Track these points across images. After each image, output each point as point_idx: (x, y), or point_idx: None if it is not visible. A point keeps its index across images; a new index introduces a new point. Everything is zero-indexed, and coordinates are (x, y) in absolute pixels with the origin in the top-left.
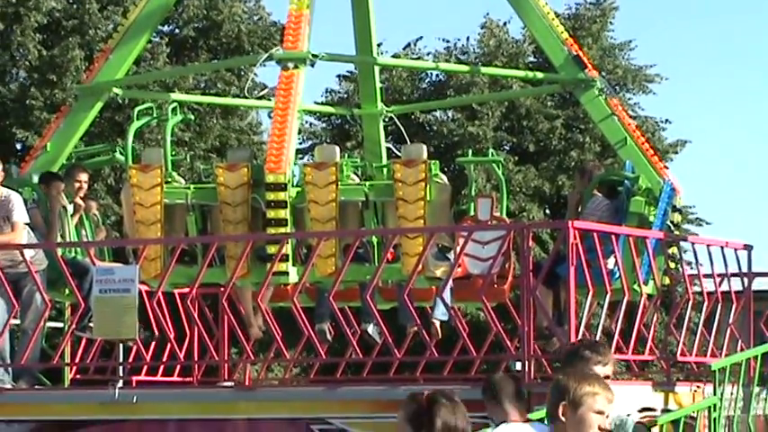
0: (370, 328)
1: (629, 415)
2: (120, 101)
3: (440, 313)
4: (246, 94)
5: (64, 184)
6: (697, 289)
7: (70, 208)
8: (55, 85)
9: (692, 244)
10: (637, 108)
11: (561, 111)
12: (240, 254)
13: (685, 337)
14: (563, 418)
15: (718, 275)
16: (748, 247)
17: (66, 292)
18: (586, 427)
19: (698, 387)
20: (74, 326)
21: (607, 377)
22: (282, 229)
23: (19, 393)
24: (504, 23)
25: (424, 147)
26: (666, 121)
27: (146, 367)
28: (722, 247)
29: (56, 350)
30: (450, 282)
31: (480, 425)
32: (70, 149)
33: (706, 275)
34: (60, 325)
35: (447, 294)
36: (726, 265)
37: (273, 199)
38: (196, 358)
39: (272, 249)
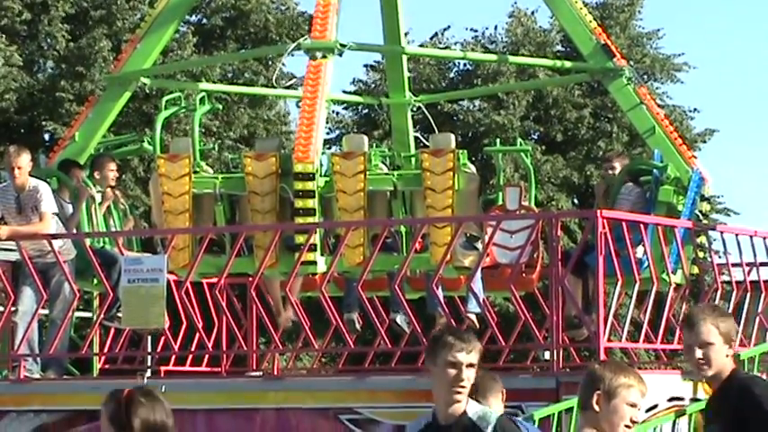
0: (399, 318)
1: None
2: (148, 91)
3: (473, 306)
4: (274, 84)
5: (84, 171)
6: (725, 278)
7: (98, 197)
8: (83, 77)
9: (721, 233)
10: (665, 97)
11: (589, 100)
12: (268, 243)
13: None
14: (596, 408)
15: (747, 265)
16: None
17: (95, 281)
18: (618, 418)
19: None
20: (102, 316)
21: (471, 365)
22: (311, 219)
23: (47, 383)
24: (532, 12)
25: (452, 136)
26: (695, 110)
27: (174, 357)
28: (751, 237)
29: (84, 340)
30: (480, 272)
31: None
32: (98, 139)
33: (734, 265)
34: (89, 315)
35: (478, 285)
36: (755, 255)
37: (302, 188)
38: (224, 348)
39: (300, 239)
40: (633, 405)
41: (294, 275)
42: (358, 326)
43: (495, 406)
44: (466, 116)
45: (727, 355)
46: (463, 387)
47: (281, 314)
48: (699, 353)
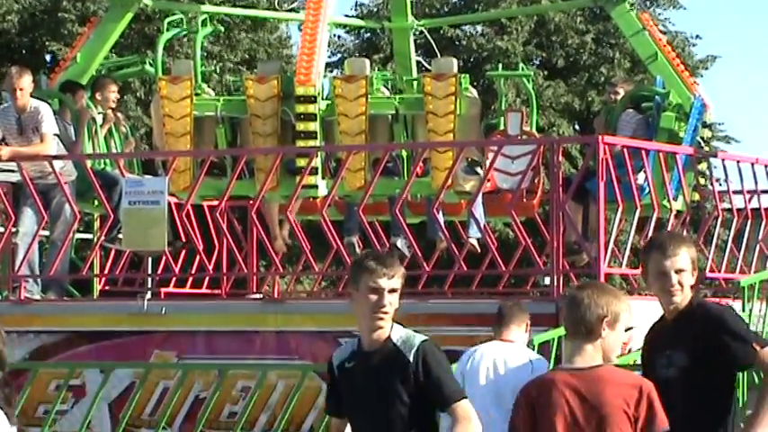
0: (399, 242)
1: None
2: (150, 12)
3: (474, 231)
4: (276, 7)
5: (86, 93)
6: (726, 206)
7: (99, 119)
8: None
9: (722, 160)
10: (667, 23)
11: (591, 26)
12: (269, 167)
13: (714, 253)
14: (603, 334)
15: (748, 192)
16: None
17: (96, 203)
18: (620, 343)
19: (726, 304)
20: (103, 237)
21: (394, 290)
22: (312, 142)
23: (48, 304)
24: None
25: (455, 60)
26: (697, 36)
27: (174, 279)
28: (752, 164)
29: (85, 262)
30: (481, 197)
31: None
32: (100, 61)
33: (735, 192)
34: (89, 236)
35: (479, 210)
36: (756, 182)
37: (303, 112)
38: (225, 270)
39: (301, 162)
40: (629, 329)
41: (294, 198)
42: (358, 249)
43: (515, 335)
44: (468, 41)
45: (691, 285)
46: (386, 313)
47: (277, 238)
48: (675, 278)
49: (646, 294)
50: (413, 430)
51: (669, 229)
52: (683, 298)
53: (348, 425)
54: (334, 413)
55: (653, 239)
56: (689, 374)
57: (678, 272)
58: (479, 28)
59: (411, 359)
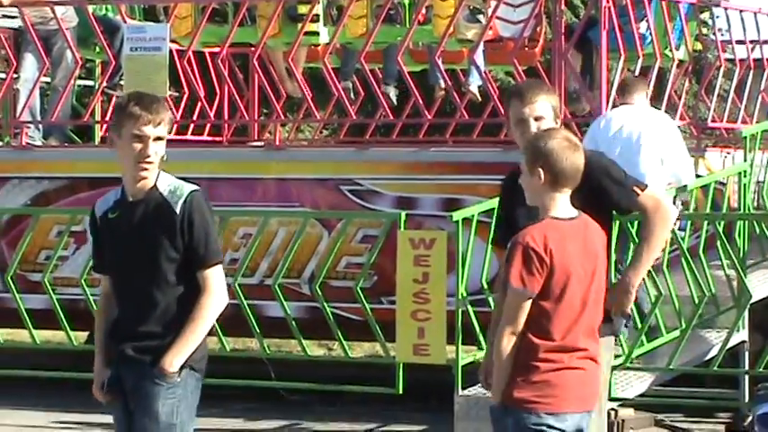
0: (392, 92)
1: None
2: None
3: (475, 79)
4: None
5: None
6: (728, 56)
7: None
8: None
9: (725, 9)
10: None
11: None
12: (271, 13)
13: (716, 103)
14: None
15: (751, 42)
16: None
17: (97, 49)
18: None
19: (728, 153)
20: (104, 84)
21: (160, 138)
22: None
23: (49, 150)
24: None
25: None
26: None
27: (176, 126)
28: (755, 13)
29: (86, 108)
30: (482, 45)
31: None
32: None
33: (738, 42)
34: (91, 83)
35: (480, 58)
36: (758, 32)
37: None
38: (226, 118)
39: (302, 9)
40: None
41: (297, 46)
42: (353, 95)
43: (639, 102)
44: None
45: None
46: (150, 162)
47: (285, 81)
48: (534, 125)
49: None
50: (179, 287)
51: (671, 78)
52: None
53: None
54: (100, 271)
55: (512, 87)
56: None
57: (537, 119)
58: None
59: (178, 211)
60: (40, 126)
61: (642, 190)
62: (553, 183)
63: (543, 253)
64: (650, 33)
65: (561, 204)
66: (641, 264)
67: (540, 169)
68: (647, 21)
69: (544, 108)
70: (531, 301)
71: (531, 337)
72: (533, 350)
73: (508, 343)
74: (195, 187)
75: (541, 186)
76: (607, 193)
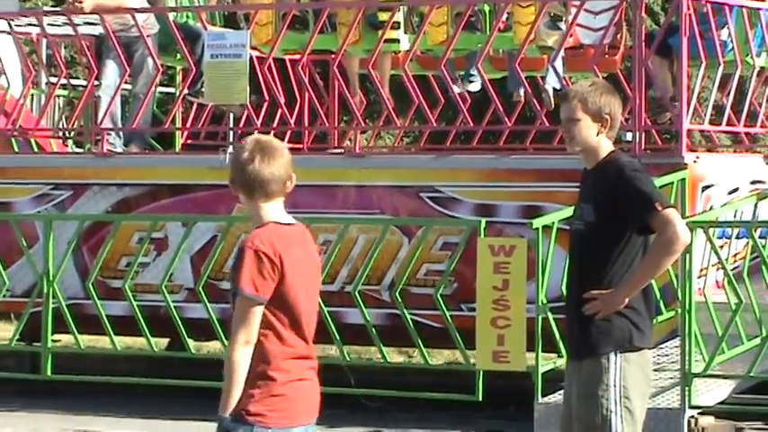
0: (473, 86)
1: None
2: None
3: (552, 81)
4: None
5: None
6: None
7: None
8: None
9: None
10: None
11: None
12: (352, 20)
13: None
14: None
15: None
16: None
17: (178, 56)
18: None
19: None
20: (185, 91)
21: None
22: None
23: (130, 157)
24: None
25: None
26: None
27: (256, 133)
28: None
29: (167, 115)
30: (562, 51)
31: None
32: None
33: None
34: (172, 90)
35: (559, 63)
36: None
37: None
38: (306, 125)
39: (383, 16)
40: None
41: (378, 53)
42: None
43: None
44: None
45: (599, 134)
46: None
47: (357, 94)
48: (566, 128)
49: (727, 151)
50: None
51: (752, 86)
52: (582, 148)
53: None
54: None
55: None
56: (593, 228)
57: (569, 121)
58: None
59: None
60: (122, 133)
61: (664, 208)
62: (251, 194)
63: (274, 257)
64: (731, 41)
65: (275, 211)
66: (631, 284)
67: (238, 186)
68: (728, 28)
69: (574, 111)
70: (262, 307)
71: (266, 345)
72: (269, 360)
73: (243, 354)
74: None
75: (244, 199)
76: (628, 201)
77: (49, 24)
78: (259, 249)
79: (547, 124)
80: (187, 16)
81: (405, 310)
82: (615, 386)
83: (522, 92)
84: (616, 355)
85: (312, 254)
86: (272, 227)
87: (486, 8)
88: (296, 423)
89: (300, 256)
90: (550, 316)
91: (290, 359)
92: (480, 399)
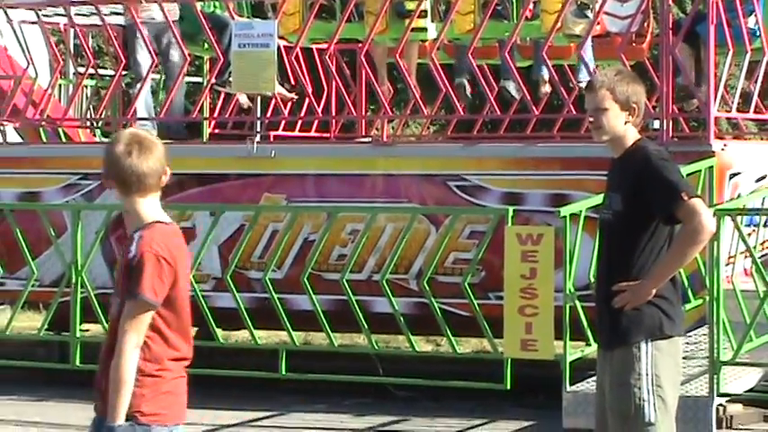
0: (511, 86)
1: None
2: None
3: (584, 75)
4: None
5: None
6: None
7: None
8: None
9: None
10: None
11: None
12: (379, 9)
13: None
14: None
15: None
16: None
17: (205, 46)
18: None
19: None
20: (213, 80)
21: None
22: None
23: None
24: None
25: None
26: None
27: (283, 122)
28: None
29: (195, 105)
30: (590, 40)
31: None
32: None
33: None
34: (199, 80)
35: (588, 53)
36: None
37: None
38: (334, 114)
39: (410, 5)
40: None
41: (405, 42)
42: (468, 91)
43: None
44: None
45: (626, 122)
46: None
47: (384, 83)
48: (593, 117)
49: (754, 139)
50: None
51: None
52: (610, 137)
53: None
54: None
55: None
56: (620, 217)
57: (596, 110)
58: None
59: None
60: (154, 123)
61: (690, 197)
62: (127, 189)
63: (171, 261)
64: (759, 28)
65: (154, 208)
66: (658, 275)
67: (112, 180)
68: (756, 15)
69: (601, 100)
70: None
71: (153, 348)
72: (155, 361)
73: (134, 358)
74: None
75: (119, 194)
76: (654, 191)
77: (76, 14)
78: (159, 254)
79: (574, 112)
80: (214, 6)
81: (432, 299)
82: (647, 375)
83: (546, 77)
84: (647, 343)
85: (187, 255)
86: (161, 228)
87: None
88: (183, 419)
89: (183, 259)
90: (578, 304)
91: (173, 360)
92: (508, 387)
